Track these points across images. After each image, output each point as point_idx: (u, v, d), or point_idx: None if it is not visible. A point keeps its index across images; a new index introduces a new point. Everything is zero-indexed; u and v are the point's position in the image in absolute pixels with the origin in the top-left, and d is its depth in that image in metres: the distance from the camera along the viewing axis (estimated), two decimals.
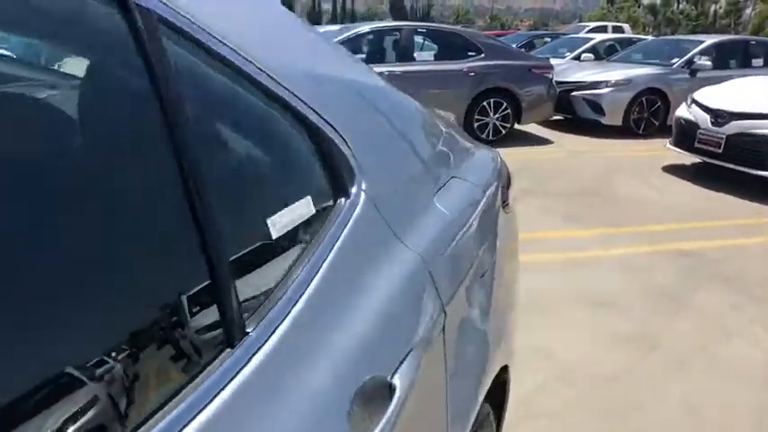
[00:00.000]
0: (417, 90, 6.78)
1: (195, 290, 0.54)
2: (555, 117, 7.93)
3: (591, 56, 10.45)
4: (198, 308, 0.54)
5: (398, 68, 6.62)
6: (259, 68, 0.67)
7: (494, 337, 1.16)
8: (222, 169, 0.63)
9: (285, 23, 0.88)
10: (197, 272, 0.53)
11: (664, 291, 3.13)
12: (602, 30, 19.17)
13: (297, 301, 0.62)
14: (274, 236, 0.64)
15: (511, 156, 6.44)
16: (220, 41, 0.63)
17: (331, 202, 0.78)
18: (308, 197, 0.72)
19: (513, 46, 12.04)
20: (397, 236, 0.85)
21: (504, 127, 7.06)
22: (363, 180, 0.82)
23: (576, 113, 8.06)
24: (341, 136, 0.79)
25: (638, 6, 48.08)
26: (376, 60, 6.97)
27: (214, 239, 0.54)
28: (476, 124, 6.95)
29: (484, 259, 1.12)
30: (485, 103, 6.93)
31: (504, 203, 1.45)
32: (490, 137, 7.02)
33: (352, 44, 7.17)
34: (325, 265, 0.69)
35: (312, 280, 0.66)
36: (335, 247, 0.72)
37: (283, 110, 0.72)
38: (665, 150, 5.91)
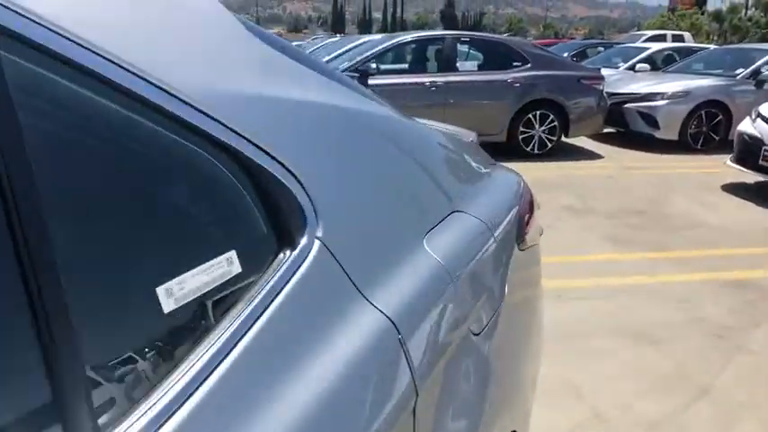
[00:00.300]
0: (460, 102, 6.67)
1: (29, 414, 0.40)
2: (606, 130, 7.57)
3: (647, 66, 9.98)
4: None
5: (440, 79, 6.46)
6: (160, 88, 0.53)
7: (495, 406, 0.98)
8: (91, 234, 0.48)
9: (217, 29, 0.71)
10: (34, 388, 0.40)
11: (716, 327, 2.83)
12: (661, 38, 18.39)
13: (191, 395, 0.48)
14: (168, 309, 0.50)
15: (556, 170, 6.17)
16: (97, 53, 0.49)
17: (271, 256, 0.64)
18: (233, 252, 0.58)
19: (564, 55, 11.70)
20: (361, 292, 0.69)
21: (550, 140, 6.78)
22: (320, 225, 0.67)
23: (628, 127, 7.68)
24: (289, 171, 0.65)
25: (702, 14, 46.01)
26: (418, 71, 6.84)
27: (63, 344, 0.40)
28: (521, 137, 6.70)
29: (483, 313, 0.95)
30: (530, 116, 6.68)
31: (521, 238, 1.26)
32: (536, 150, 6.75)
33: (394, 54, 7.07)
34: (245, 341, 0.55)
35: (223, 360, 0.52)
36: (265, 317, 0.57)
37: (198, 141, 0.57)
38: (725, 168, 5.51)
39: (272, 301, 0.59)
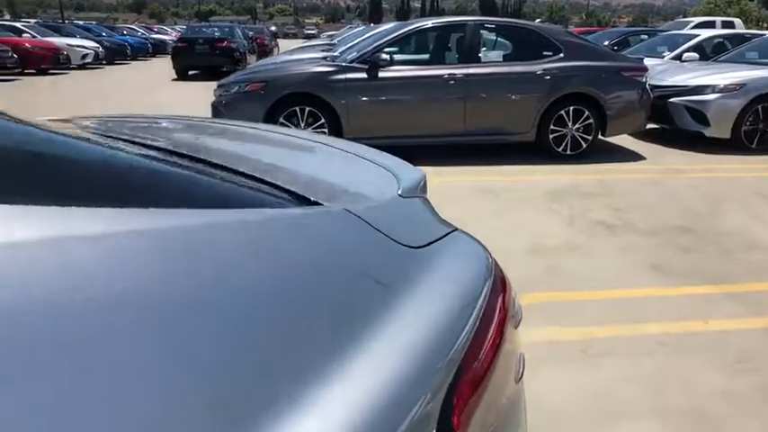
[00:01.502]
0: (482, 96, 5.99)
1: None
2: (648, 127, 6.76)
3: (695, 55, 9.04)
4: None
5: (460, 71, 5.80)
6: None
7: None
8: None
9: None
10: None
11: None
12: (710, 25, 17.11)
13: None
14: None
15: (590, 175, 5.42)
16: None
17: None
18: None
19: (604, 44, 10.80)
20: None
21: (585, 139, 6.04)
22: None
23: (674, 123, 6.85)
24: None
25: (752, 0, 43.37)
26: (435, 62, 6.18)
27: None
28: (552, 136, 5.98)
29: None
30: (562, 112, 5.94)
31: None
32: (568, 151, 6.03)
33: (408, 43, 6.42)
34: None
35: None
36: None
37: None
38: None
39: None
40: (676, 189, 5.07)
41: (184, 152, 1.07)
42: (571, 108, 5.94)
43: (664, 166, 5.89)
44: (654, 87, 6.60)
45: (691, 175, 5.53)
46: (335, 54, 6.63)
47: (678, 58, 9.18)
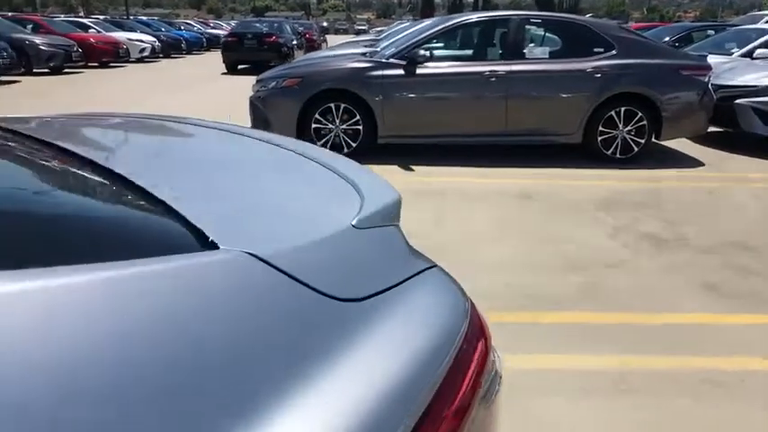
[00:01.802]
0: (525, 95, 5.64)
1: None
2: (710, 130, 6.25)
3: None
4: None
5: (502, 67, 5.49)
6: None
7: None
8: None
9: None
10: None
11: None
12: None
13: None
14: None
15: (640, 182, 5.01)
16: None
17: None
18: None
19: (665, 41, 10.16)
20: None
21: (636, 143, 5.61)
22: None
23: (739, 127, 6.31)
24: None
25: None
26: (476, 58, 5.88)
27: None
28: (600, 138, 5.59)
29: None
30: (613, 113, 5.54)
31: None
32: (618, 155, 5.62)
33: (450, 38, 6.16)
34: None
35: None
36: None
37: None
38: None
39: None
40: (738, 200, 4.62)
41: (97, 166, 0.91)
42: (622, 109, 5.52)
43: (725, 174, 5.40)
44: (718, 87, 6.08)
45: (755, 185, 5.04)
46: (374, 50, 6.43)
47: (749, 55, 8.49)
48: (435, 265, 0.89)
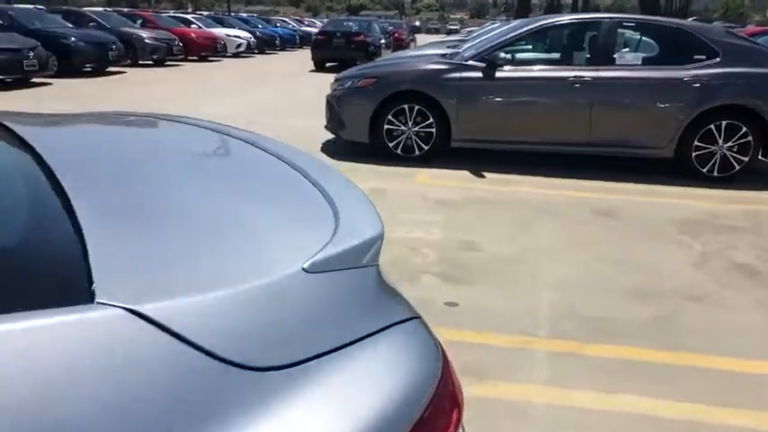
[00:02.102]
0: (612, 103, 5.26)
1: None
2: None
3: None
4: None
5: (589, 73, 5.15)
6: None
7: None
8: None
9: None
10: None
11: None
12: None
13: None
14: None
15: (736, 204, 4.52)
16: None
17: None
18: None
19: None
20: None
21: (738, 160, 5.08)
22: None
23: None
24: None
25: None
26: (561, 62, 5.56)
27: None
28: (695, 154, 5.11)
29: None
30: (712, 126, 5.05)
31: None
32: (715, 173, 5.12)
33: (533, 41, 5.87)
34: None
35: None
36: None
37: None
38: None
39: None
40: None
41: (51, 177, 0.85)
42: (724, 122, 5.01)
43: None
44: None
45: None
46: (455, 51, 6.26)
47: None
48: (414, 318, 0.76)
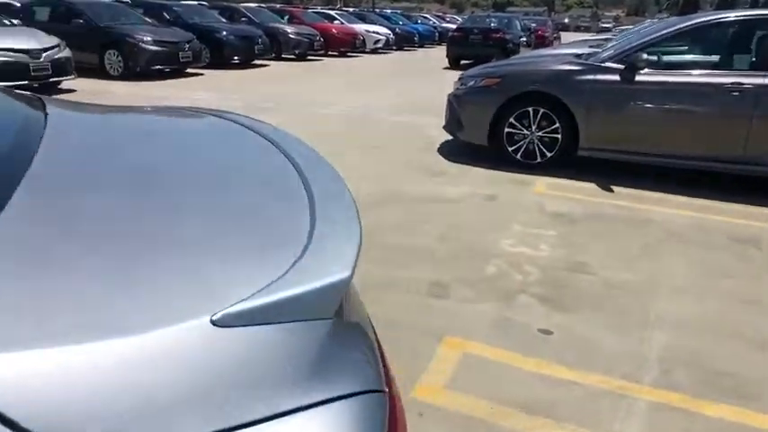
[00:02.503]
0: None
1: None
2: None
3: None
4: None
5: (751, 80, 4.44)
6: None
7: None
8: None
9: None
10: None
11: None
12: None
13: None
14: None
15: None
16: None
17: None
18: None
19: None
20: None
21: None
22: None
23: None
24: None
25: None
26: (716, 66, 4.86)
27: None
28: None
29: None
30: None
31: None
32: None
33: (685, 41, 5.19)
34: None
35: None
36: None
37: None
38: None
39: None
40: None
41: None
42: None
43: None
44: None
45: None
46: (592, 51, 5.76)
47: None
48: (372, 391, 0.58)
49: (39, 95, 1.37)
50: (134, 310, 0.60)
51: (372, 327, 0.89)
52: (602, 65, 4.91)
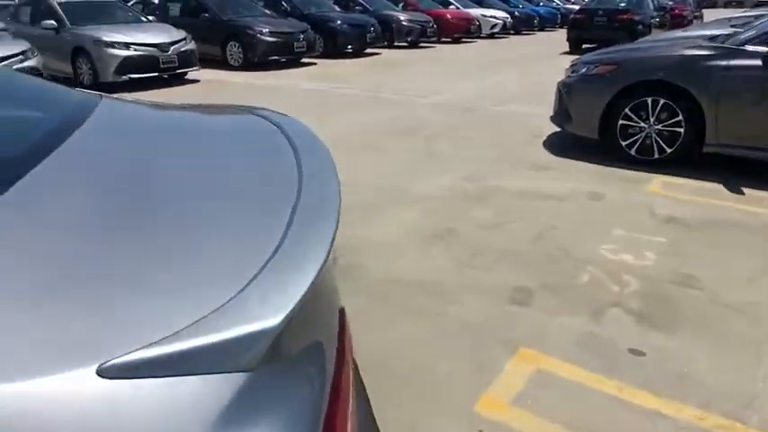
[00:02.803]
0: None
1: None
2: None
3: None
4: None
5: None
6: None
7: None
8: None
9: None
10: None
11: None
12: None
13: None
14: None
15: None
16: None
17: None
18: None
19: None
20: None
21: None
22: None
23: None
24: None
25: None
26: None
27: None
28: None
29: None
30: None
31: None
32: None
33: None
34: None
35: None
36: None
37: None
38: None
39: None
40: None
41: None
42: None
43: None
44: None
45: None
46: (732, 32, 5.08)
47: None
48: None
49: (100, 93, 1.42)
50: (4, 354, 0.52)
51: (347, 341, 0.79)
52: (741, 48, 4.30)
